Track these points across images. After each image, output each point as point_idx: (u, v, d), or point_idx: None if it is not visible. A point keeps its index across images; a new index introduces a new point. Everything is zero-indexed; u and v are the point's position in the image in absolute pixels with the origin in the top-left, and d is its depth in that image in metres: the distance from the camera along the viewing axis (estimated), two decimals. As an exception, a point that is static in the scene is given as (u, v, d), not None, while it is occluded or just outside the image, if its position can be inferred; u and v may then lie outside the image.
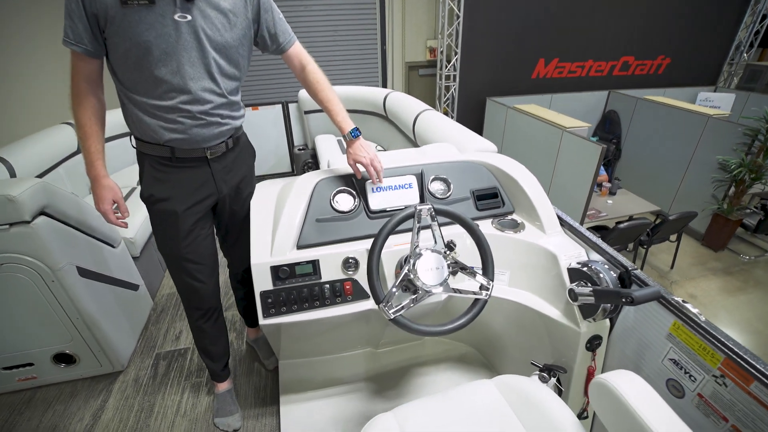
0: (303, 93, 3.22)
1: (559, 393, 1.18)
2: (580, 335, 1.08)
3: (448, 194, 1.31)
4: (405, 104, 2.51)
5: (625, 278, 1.03)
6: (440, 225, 1.07)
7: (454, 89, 4.37)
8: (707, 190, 3.45)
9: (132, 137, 1.14)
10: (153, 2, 0.92)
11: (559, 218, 1.28)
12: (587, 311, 1.06)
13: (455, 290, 1.02)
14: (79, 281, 1.48)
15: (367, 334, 1.51)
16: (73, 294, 1.46)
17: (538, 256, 1.20)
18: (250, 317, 1.71)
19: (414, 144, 2.34)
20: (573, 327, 1.10)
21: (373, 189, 1.26)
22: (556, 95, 4.48)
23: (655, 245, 3.09)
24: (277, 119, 3.63)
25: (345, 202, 1.24)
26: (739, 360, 0.78)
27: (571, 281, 1.09)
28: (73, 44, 0.96)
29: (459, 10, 3.93)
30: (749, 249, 3.42)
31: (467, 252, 1.20)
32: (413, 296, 0.99)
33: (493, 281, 1.02)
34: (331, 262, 1.15)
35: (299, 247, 1.16)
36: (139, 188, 1.19)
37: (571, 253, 1.15)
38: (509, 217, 1.34)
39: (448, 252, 1.05)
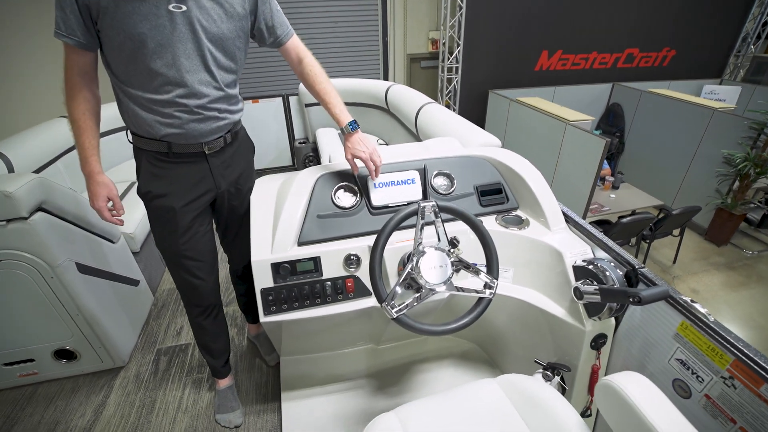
0: (303, 86, 3.19)
1: (563, 391, 1.17)
2: (584, 334, 1.07)
3: (451, 190, 1.29)
4: (407, 97, 2.48)
5: (632, 277, 1.01)
6: (444, 221, 1.05)
7: (457, 81, 4.32)
8: (711, 184, 3.42)
9: (128, 132, 1.11)
10: None
11: (564, 214, 1.26)
12: (593, 310, 1.05)
13: (459, 289, 1.00)
14: (78, 277, 1.47)
15: (368, 331, 1.50)
16: (73, 290, 1.45)
17: (542, 254, 1.18)
18: (251, 313, 1.70)
19: (416, 138, 2.31)
20: (578, 325, 1.08)
21: (375, 184, 1.23)
22: (560, 88, 4.43)
23: (657, 240, 3.08)
24: (277, 112, 3.59)
25: (346, 197, 1.22)
26: (749, 362, 0.77)
27: (577, 279, 1.08)
28: (65, 36, 0.93)
29: (461, 1, 3.86)
30: (752, 244, 3.40)
31: (470, 248, 1.19)
32: (416, 295, 0.98)
33: (497, 280, 1.01)
34: (332, 259, 1.14)
35: (300, 243, 1.14)
36: (136, 183, 1.17)
37: (577, 250, 1.13)
38: (513, 213, 1.32)
39: (451, 249, 1.03)
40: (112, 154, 2.63)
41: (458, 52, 4.14)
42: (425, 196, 1.27)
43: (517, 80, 4.40)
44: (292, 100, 3.57)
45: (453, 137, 1.62)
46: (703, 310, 0.85)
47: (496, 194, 1.32)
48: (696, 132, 3.52)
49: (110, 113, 1.09)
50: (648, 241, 2.99)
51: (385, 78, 4.69)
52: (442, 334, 0.97)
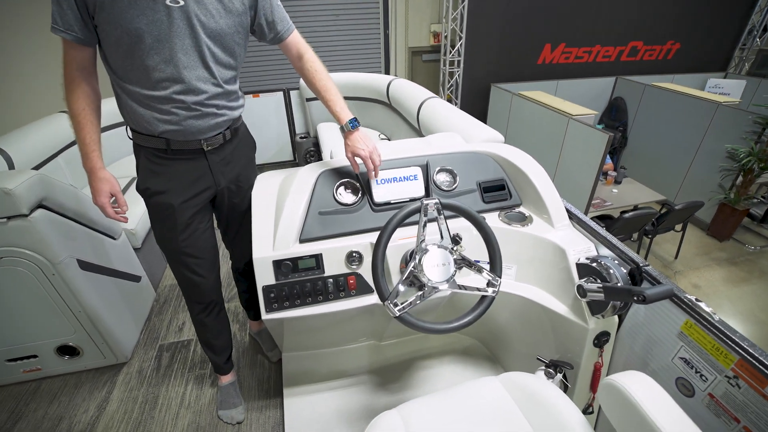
0: (304, 82, 3.17)
1: (565, 389, 1.17)
2: (587, 331, 1.07)
3: (454, 186, 1.28)
4: (409, 92, 2.46)
5: (636, 275, 1.00)
6: (446, 218, 1.04)
7: (458, 75, 4.29)
8: (714, 179, 3.39)
9: (128, 128, 1.10)
10: None
11: (568, 211, 1.25)
12: (596, 308, 1.04)
13: (462, 287, 1.00)
14: (80, 274, 1.47)
15: (370, 328, 1.50)
16: (75, 287, 1.45)
17: (545, 251, 1.18)
18: (252, 310, 1.70)
19: (418, 133, 2.30)
20: (581, 323, 1.08)
21: (377, 181, 1.22)
22: (562, 81, 4.39)
23: (659, 235, 3.07)
24: (278, 107, 3.57)
25: (348, 194, 1.21)
26: (754, 362, 0.76)
27: (580, 277, 1.07)
28: (63, 31, 0.92)
29: (464, -7, 3.82)
30: (755, 239, 3.39)
31: (473, 245, 1.18)
32: (419, 293, 0.97)
33: (500, 278, 1.00)
34: (334, 256, 1.13)
35: (302, 240, 1.14)
36: (136, 179, 1.16)
37: (580, 247, 1.12)
38: (516, 209, 1.31)
39: (454, 247, 1.03)
40: (111, 149, 2.62)
41: (460, 45, 4.10)
42: (427, 193, 1.26)
43: (520, 74, 4.36)
44: (293, 94, 3.55)
45: (455, 132, 1.61)
46: (708, 309, 0.84)
47: (499, 191, 1.31)
48: (700, 126, 3.49)
49: (109, 108, 1.08)
50: (650, 236, 2.98)
51: (387, 72, 4.65)
52: (444, 333, 0.97)
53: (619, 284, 0.97)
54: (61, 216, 1.42)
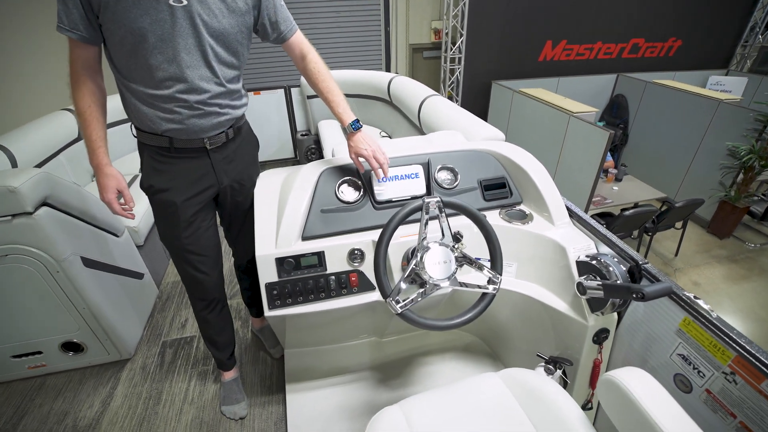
0: (306, 82, 3.17)
1: (564, 385, 1.18)
2: (587, 328, 1.08)
3: (455, 184, 1.29)
4: (410, 89, 2.46)
5: (635, 272, 1.01)
6: (448, 216, 1.05)
7: (459, 72, 4.28)
8: (715, 176, 3.40)
9: (132, 126, 1.11)
10: None
11: (568, 209, 1.26)
12: (595, 305, 1.06)
13: (463, 284, 1.01)
14: (84, 271, 1.48)
15: (372, 325, 1.51)
16: (79, 284, 1.47)
17: (546, 248, 1.19)
18: (254, 307, 1.71)
19: (419, 130, 2.30)
20: (580, 320, 1.09)
21: (378, 179, 1.23)
22: (564, 78, 4.38)
23: (660, 232, 3.07)
24: (279, 104, 3.58)
25: (350, 192, 1.22)
26: (751, 358, 0.77)
27: (580, 274, 1.08)
28: (68, 30, 0.92)
29: (465, -10, 3.81)
30: (755, 237, 3.40)
31: (474, 242, 1.19)
32: (421, 290, 0.98)
33: (501, 275, 1.01)
34: (336, 254, 1.14)
35: (304, 238, 1.15)
36: (140, 176, 1.17)
37: (580, 245, 1.13)
38: (517, 207, 1.32)
39: (455, 245, 1.04)
40: (114, 146, 2.61)
41: (461, 42, 4.09)
42: (429, 191, 1.27)
43: (521, 71, 4.35)
44: (294, 91, 3.55)
45: (456, 130, 1.61)
46: (706, 307, 0.85)
47: (499, 189, 1.32)
48: (701, 124, 3.49)
49: (112, 106, 1.09)
50: (650, 233, 2.99)
51: (387, 68, 4.65)
52: (445, 329, 0.98)
53: (618, 282, 0.99)
54: (65, 214, 1.43)
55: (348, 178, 1.23)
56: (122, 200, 1.14)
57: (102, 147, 1.06)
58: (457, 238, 1.15)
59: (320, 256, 1.13)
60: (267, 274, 1.11)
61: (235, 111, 1.15)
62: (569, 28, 4.27)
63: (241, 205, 1.30)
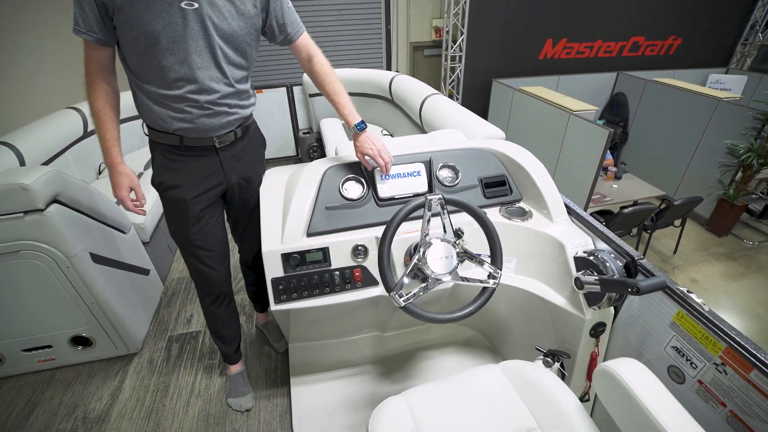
0: (313, 83, 3.19)
1: (563, 377, 1.21)
2: (584, 322, 1.11)
3: (456, 182, 1.32)
4: (411, 88, 2.48)
5: (631, 268, 1.04)
6: (449, 213, 1.08)
7: (460, 70, 4.30)
8: (713, 175, 3.42)
9: (144, 124, 1.14)
10: None
11: (566, 206, 1.29)
12: (592, 299, 1.09)
13: (464, 279, 1.04)
14: (92, 267, 1.52)
15: (375, 319, 1.55)
16: (88, 279, 1.50)
17: (545, 245, 1.22)
18: (259, 302, 1.75)
19: (421, 129, 2.33)
20: (578, 314, 1.12)
21: (381, 177, 1.26)
22: (564, 77, 4.40)
23: (658, 230, 3.10)
24: (281, 102, 3.60)
25: (354, 189, 1.25)
26: (740, 349, 0.80)
27: (578, 270, 1.11)
28: (84, 33, 0.95)
29: (466, -11, 3.82)
30: (753, 234, 3.43)
31: (475, 239, 1.22)
32: (423, 284, 1.02)
33: (501, 270, 1.04)
34: (340, 250, 1.17)
35: (309, 234, 1.18)
36: (146, 173, 1.20)
37: (578, 241, 1.16)
38: (517, 205, 1.35)
39: (456, 241, 1.07)
40: (122, 143, 2.65)
41: (462, 40, 4.11)
42: (431, 188, 1.30)
43: (521, 69, 4.37)
44: (296, 90, 3.57)
45: (458, 129, 1.64)
46: (698, 300, 0.89)
47: (500, 186, 1.35)
48: (700, 122, 3.51)
49: (122, 102, 1.12)
50: (649, 231, 3.02)
51: (388, 67, 4.66)
52: (447, 322, 1.01)
53: (614, 277, 1.02)
54: (74, 210, 1.46)
55: (352, 175, 1.26)
56: (134, 197, 1.17)
57: (116, 146, 1.09)
58: (458, 234, 1.18)
59: (325, 251, 1.16)
60: (273, 269, 1.14)
61: (244, 111, 1.18)
62: (569, 26, 4.28)
63: (248, 202, 1.33)
